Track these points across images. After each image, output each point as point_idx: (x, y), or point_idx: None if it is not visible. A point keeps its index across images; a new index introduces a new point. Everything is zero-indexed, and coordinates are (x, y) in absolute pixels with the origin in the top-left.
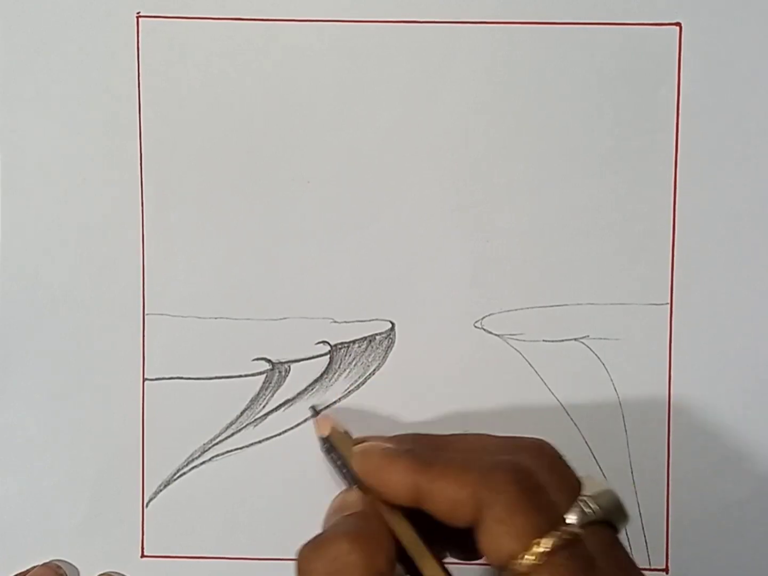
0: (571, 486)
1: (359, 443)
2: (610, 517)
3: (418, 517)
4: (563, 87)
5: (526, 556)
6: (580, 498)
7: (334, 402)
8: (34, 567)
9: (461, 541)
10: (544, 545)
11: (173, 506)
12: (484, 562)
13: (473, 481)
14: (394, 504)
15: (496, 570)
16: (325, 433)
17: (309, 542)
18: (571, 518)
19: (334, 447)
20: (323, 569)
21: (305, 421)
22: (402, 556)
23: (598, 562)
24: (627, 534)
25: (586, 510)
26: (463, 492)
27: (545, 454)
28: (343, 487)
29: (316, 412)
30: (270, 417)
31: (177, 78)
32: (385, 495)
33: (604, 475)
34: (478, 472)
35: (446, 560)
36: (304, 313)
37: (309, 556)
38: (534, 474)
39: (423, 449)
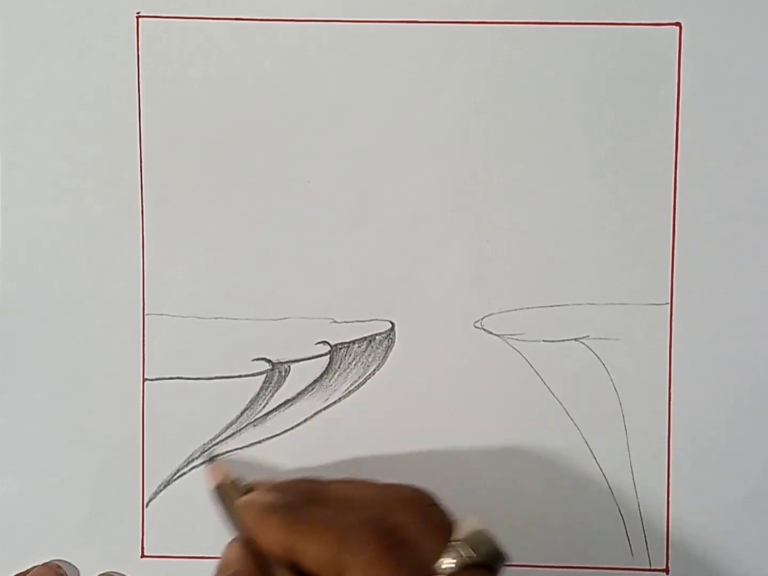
0: (441, 533)
1: (247, 493)
2: (485, 560)
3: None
4: (563, 87)
5: None
6: (453, 543)
7: (334, 402)
8: (34, 567)
9: None
10: None
11: (173, 506)
12: None
13: (335, 541)
14: (276, 557)
15: None
16: (216, 482)
17: None
18: (447, 563)
19: (224, 498)
20: None
21: (305, 421)
22: None
23: None
24: (627, 534)
25: (461, 554)
26: (327, 552)
27: (416, 504)
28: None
29: (210, 459)
30: (270, 417)
31: (177, 78)
32: (264, 548)
33: (604, 475)
34: (340, 533)
35: None
36: (304, 313)
37: None
38: (396, 529)
39: (298, 503)
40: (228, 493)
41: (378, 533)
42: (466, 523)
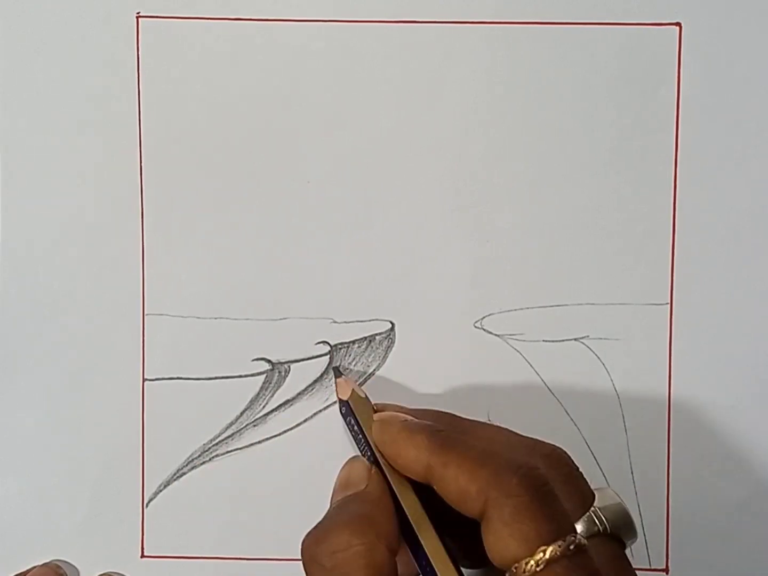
0: (583, 497)
1: (378, 411)
2: (619, 532)
3: (432, 497)
4: (563, 87)
5: (530, 561)
6: (591, 510)
7: (334, 402)
8: (34, 567)
9: (468, 532)
10: (549, 553)
11: (173, 506)
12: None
13: (485, 478)
14: (406, 476)
15: (498, 570)
16: (346, 395)
17: (311, 533)
18: (580, 529)
19: (353, 411)
20: (325, 563)
21: (305, 421)
22: (406, 529)
23: (602, 574)
24: None
25: (596, 522)
26: (474, 485)
27: (562, 463)
28: (354, 453)
29: (338, 373)
30: (270, 417)
31: (177, 78)
32: (399, 467)
33: (604, 475)
34: (491, 469)
35: None
36: (303, 313)
37: (311, 548)
38: (548, 482)
39: (443, 428)
40: (358, 407)
41: (530, 480)
42: (606, 494)
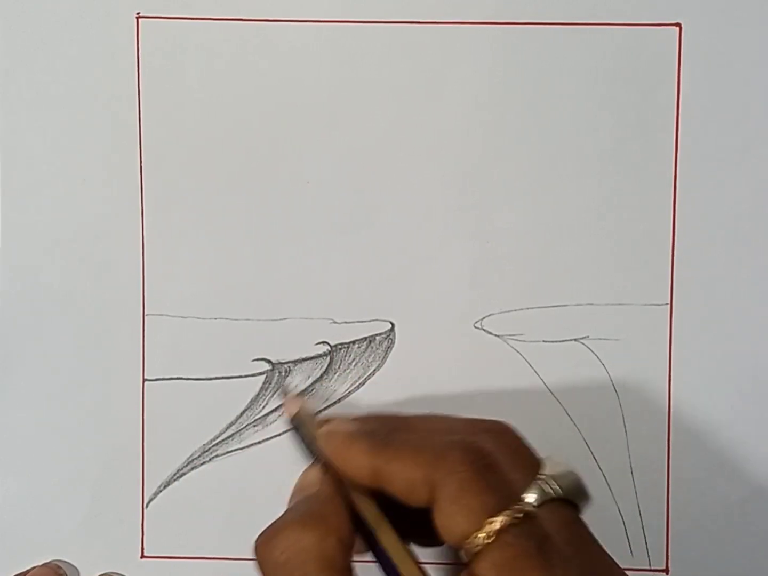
0: (530, 465)
1: (325, 423)
2: (570, 496)
3: (385, 503)
4: (563, 87)
5: (478, 535)
6: (539, 477)
7: (334, 403)
8: (34, 567)
9: (424, 530)
10: (497, 523)
11: (173, 506)
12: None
13: (427, 462)
14: (358, 484)
15: (453, 551)
16: (293, 412)
17: (262, 533)
18: (530, 497)
19: (301, 427)
20: (277, 559)
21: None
22: (364, 531)
23: (554, 539)
24: (627, 534)
25: (545, 489)
26: (417, 473)
27: (505, 435)
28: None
29: (285, 393)
30: (270, 417)
31: (177, 78)
32: (348, 475)
33: (604, 475)
34: (431, 453)
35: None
36: (304, 313)
37: (263, 546)
38: (489, 454)
39: (383, 430)
40: (305, 422)
41: (470, 454)
42: (554, 461)
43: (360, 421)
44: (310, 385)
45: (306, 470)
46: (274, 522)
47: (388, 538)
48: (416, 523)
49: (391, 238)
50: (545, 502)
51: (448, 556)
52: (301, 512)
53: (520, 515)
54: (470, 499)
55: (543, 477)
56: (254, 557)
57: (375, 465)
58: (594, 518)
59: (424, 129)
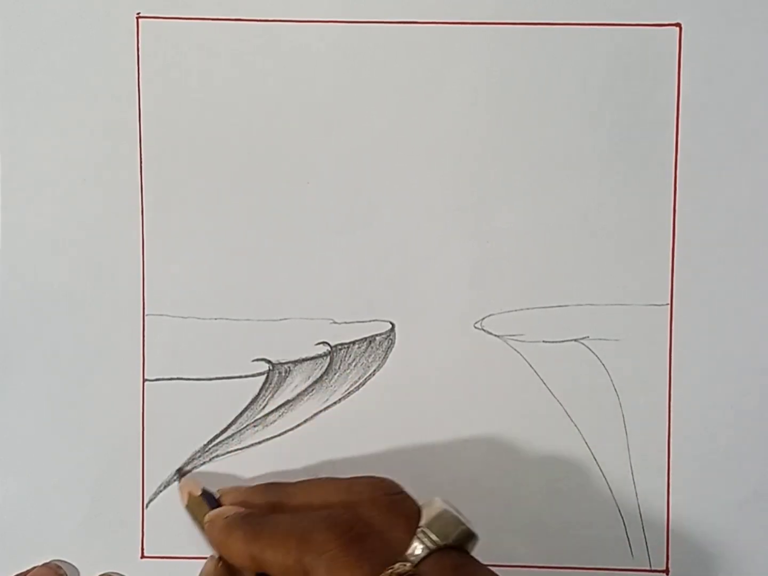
0: (408, 520)
1: (221, 502)
2: (453, 542)
3: None
4: (563, 88)
5: None
6: (420, 529)
7: (334, 403)
8: (34, 567)
9: None
10: None
11: (173, 506)
12: None
13: (296, 546)
14: (244, 569)
15: None
16: (185, 501)
17: None
18: (420, 549)
19: (192, 516)
20: None
21: (305, 422)
22: None
23: None
24: (627, 534)
25: (424, 541)
26: (289, 559)
27: (377, 494)
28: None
29: (180, 475)
30: (270, 418)
31: (177, 78)
32: (232, 563)
33: (604, 475)
34: (299, 537)
35: None
36: (304, 313)
37: None
38: (356, 524)
39: (260, 512)
40: (196, 510)
41: (337, 529)
42: (431, 507)
43: (244, 501)
44: (310, 386)
45: (207, 560)
46: None
47: None
48: None
49: (391, 238)
50: (429, 554)
51: None
52: None
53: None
54: (342, 575)
55: (424, 528)
56: None
57: (252, 552)
58: (594, 518)
59: (424, 129)
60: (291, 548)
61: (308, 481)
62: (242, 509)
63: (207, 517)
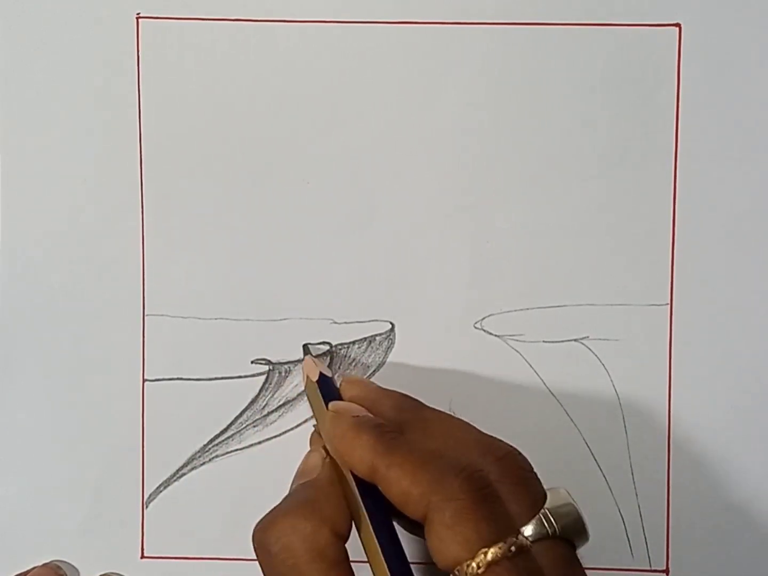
0: (533, 499)
1: (343, 388)
2: (567, 535)
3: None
4: (562, 88)
5: (470, 564)
6: (541, 512)
7: None
8: (34, 567)
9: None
10: (490, 555)
11: (173, 507)
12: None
13: (427, 481)
14: (357, 473)
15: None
16: (314, 377)
17: (260, 521)
18: (528, 531)
19: (313, 395)
20: (272, 548)
21: (306, 421)
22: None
23: (546, 574)
24: (627, 534)
25: (544, 524)
26: (415, 489)
27: (514, 465)
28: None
29: (308, 351)
30: (270, 418)
31: (177, 79)
32: (346, 464)
33: (604, 476)
34: (434, 473)
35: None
36: (304, 313)
37: (258, 534)
38: (489, 484)
39: (393, 424)
40: (311, 395)
41: (472, 483)
42: (558, 496)
43: (383, 396)
44: None
45: (309, 453)
46: (272, 510)
47: (366, 536)
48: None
49: (391, 238)
50: (542, 537)
51: None
52: (297, 500)
53: (514, 549)
54: (466, 528)
55: (545, 512)
56: (253, 544)
57: (375, 464)
58: (594, 519)
59: (424, 129)
60: (422, 480)
61: (448, 415)
62: (371, 414)
63: (333, 408)
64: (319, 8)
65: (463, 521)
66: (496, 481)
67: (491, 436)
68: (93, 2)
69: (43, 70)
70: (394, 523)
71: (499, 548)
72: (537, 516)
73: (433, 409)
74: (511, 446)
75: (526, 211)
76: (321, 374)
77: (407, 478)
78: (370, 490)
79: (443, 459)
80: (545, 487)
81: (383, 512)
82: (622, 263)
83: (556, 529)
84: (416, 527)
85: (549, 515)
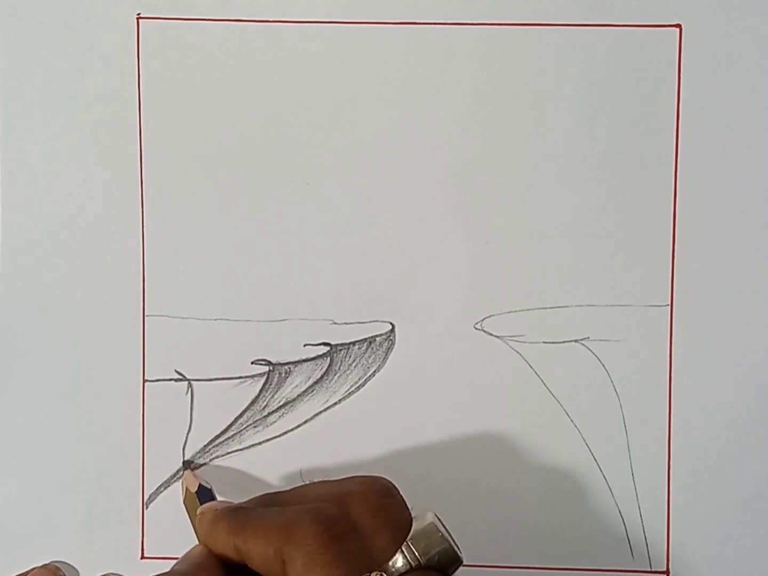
0: (394, 531)
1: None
2: (434, 564)
3: None
4: (563, 89)
5: None
6: (406, 542)
7: (334, 404)
8: (34, 568)
9: None
10: None
11: (173, 507)
12: None
13: (277, 537)
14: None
15: None
16: (183, 495)
17: None
18: (398, 563)
19: (186, 509)
20: None
21: (305, 422)
22: None
23: None
24: (627, 535)
25: (408, 556)
26: (269, 549)
27: (371, 496)
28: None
29: (185, 467)
30: (270, 418)
31: (177, 79)
32: (218, 554)
33: (604, 476)
34: (282, 527)
35: None
36: (304, 314)
37: None
38: (340, 521)
39: (248, 507)
40: (190, 505)
41: (321, 524)
42: (422, 522)
43: (245, 502)
44: (310, 386)
45: (194, 546)
46: None
47: None
48: None
49: (391, 238)
50: (409, 570)
51: None
52: (184, 568)
53: None
54: (316, 573)
55: (410, 543)
56: None
57: (236, 544)
58: (594, 519)
59: (423, 129)
60: (272, 538)
61: (307, 484)
62: (233, 503)
63: (199, 510)
64: (319, 8)
65: (314, 567)
66: (355, 516)
67: (348, 477)
68: (93, 2)
69: (44, 70)
70: None
71: None
72: (401, 547)
73: (297, 486)
74: (367, 478)
75: (526, 212)
76: (200, 486)
77: (260, 542)
78: None
79: (292, 512)
80: (413, 513)
81: None
82: (623, 264)
83: (420, 560)
84: None
85: (412, 545)
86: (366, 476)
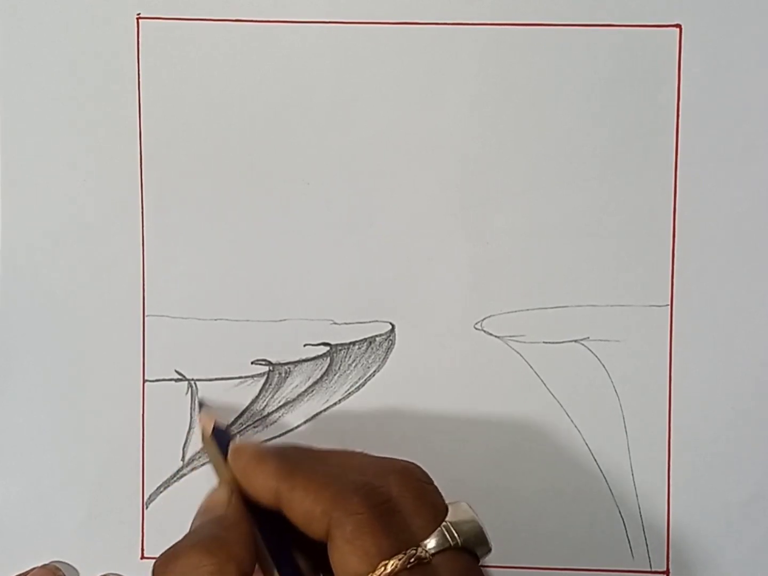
0: (433, 511)
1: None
2: (469, 545)
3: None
4: (563, 89)
5: None
6: (443, 524)
7: (334, 404)
8: (34, 568)
9: (323, 552)
10: (389, 567)
11: (173, 507)
12: None
13: (327, 499)
14: (261, 503)
15: None
16: (207, 428)
17: (162, 554)
18: (430, 543)
19: (212, 443)
20: None
21: (305, 422)
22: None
23: None
24: (627, 535)
25: (445, 536)
26: (317, 507)
27: (412, 478)
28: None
29: (200, 405)
30: (270, 418)
31: (177, 79)
32: (252, 494)
33: (604, 476)
34: (333, 491)
35: None
36: (304, 314)
37: (161, 569)
38: (389, 498)
39: (293, 456)
40: (208, 448)
41: (371, 498)
42: (459, 508)
43: (275, 445)
44: (310, 387)
45: (214, 489)
46: (175, 544)
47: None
48: (317, 553)
49: (391, 238)
50: (444, 549)
51: None
52: (202, 536)
53: (414, 561)
54: (365, 541)
55: (446, 524)
56: None
57: (279, 489)
58: (594, 519)
59: (424, 129)
60: (324, 498)
61: (343, 450)
62: (273, 446)
63: (235, 444)
64: (318, 8)
65: (363, 535)
66: (396, 496)
67: (387, 457)
68: (93, 2)
69: (44, 70)
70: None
71: (399, 560)
72: (439, 528)
73: (327, 449)
74: (408, 462)
75: (526, 212)
76: (216, 426)
77: (309, 497)
78: (275, 530)
79: (343, 478)
80: (446, 500)
81: (289, 553)
82: (623, 264)
83: (458, 541)
84: (322, 564)
85: (450, 527)
86: (405, 460)
